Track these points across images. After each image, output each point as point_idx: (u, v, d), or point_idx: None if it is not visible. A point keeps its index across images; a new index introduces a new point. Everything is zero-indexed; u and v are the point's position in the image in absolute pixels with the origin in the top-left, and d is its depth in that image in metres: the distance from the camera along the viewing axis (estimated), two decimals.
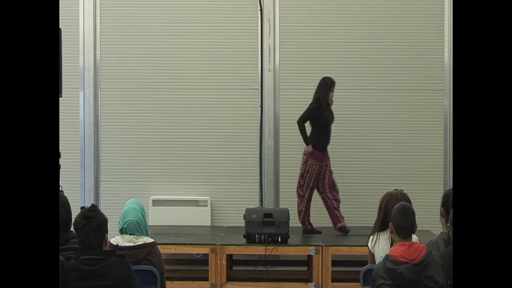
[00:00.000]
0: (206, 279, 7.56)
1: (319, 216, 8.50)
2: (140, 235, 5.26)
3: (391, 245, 5.25)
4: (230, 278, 7.73)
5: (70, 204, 5.02)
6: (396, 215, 4.73)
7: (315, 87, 8.27)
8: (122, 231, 5.26)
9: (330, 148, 8.31)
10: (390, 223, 4.82)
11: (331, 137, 8.27)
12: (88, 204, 8.46)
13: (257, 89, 8.96)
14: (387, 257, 4.59)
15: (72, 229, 4.60)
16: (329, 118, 8.16)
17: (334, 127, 8.40)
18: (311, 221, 8.25)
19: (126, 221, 5.25)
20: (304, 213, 8.16)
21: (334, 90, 8.17)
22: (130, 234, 5.23)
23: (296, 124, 8.10)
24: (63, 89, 6.72)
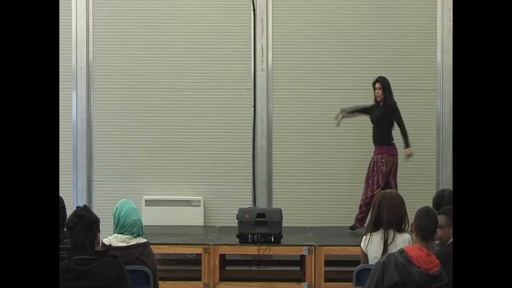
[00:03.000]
0: (199, 279, 7.55)
1: (317, 215, 8.55)
2: (137, 236, 5.26)
3: (384, 246, 5.25)
4: (223, 278, 7.72)
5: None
6: (418, 215, 4.67)
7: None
8: (122, 231, 5.23)
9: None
10: (411, 223, 4.76)
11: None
12: (81, 205, 8.46)
13: (250, 89, 8.96)
14: (402, 252, 4.52)
15: (65, 229, 4.58)
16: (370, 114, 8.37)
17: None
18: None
19: (130, 222, 5.22)
20: None
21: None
22: (131, 234, 5.23)
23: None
24: None
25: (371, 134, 8.31)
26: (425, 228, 4.61)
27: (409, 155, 8.20)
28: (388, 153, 8.18)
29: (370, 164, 8.23)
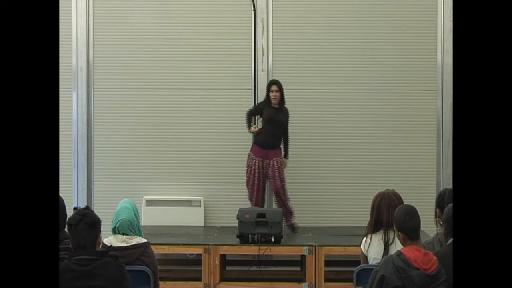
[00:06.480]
0: (199, 279, 7.55)
1: (317, 215, 8.55)
2: (133, 235, 5.24)
3: (385, 247, 5.24)
4: (223, 278, 7.72)
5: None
6: (403, 221, 4.58)
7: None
8: (115, 231, 5.25)
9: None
10: (396, 230, 4.66)
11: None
12: (81, 205, 8.48)
13: (250, 89, 8.96)
14: (399, 254, 4.46)
15: (65, 229, 4.58)
16: (273, 117, 8.26)
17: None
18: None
19: (119, 220, 5.24)
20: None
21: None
22: (123, 234, 5.22)
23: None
24: None
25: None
26: (416, 229, 4.56)
27: (286, 166, 8.40)
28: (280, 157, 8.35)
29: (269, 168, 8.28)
